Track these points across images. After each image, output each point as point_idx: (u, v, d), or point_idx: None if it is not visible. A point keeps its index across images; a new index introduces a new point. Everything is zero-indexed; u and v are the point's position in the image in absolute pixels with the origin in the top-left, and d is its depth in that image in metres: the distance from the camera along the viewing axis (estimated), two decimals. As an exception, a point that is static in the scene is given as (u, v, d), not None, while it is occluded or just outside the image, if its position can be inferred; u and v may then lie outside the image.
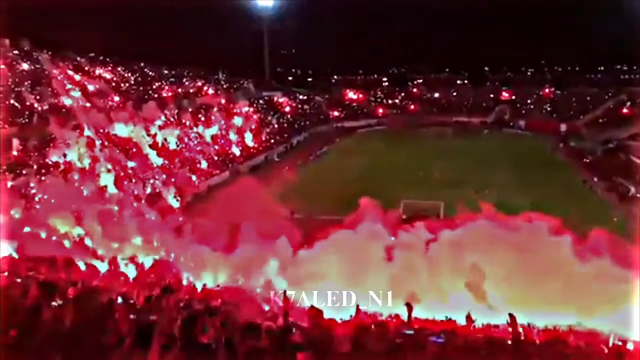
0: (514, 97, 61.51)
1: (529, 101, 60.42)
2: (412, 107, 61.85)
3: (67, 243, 16.43)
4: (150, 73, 49.25)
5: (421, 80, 69.77)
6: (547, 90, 61.72)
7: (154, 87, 46.40)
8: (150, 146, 32.33)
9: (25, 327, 5.26)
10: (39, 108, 31.06)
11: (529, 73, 70.37)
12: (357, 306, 11.89)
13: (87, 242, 16.96)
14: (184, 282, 14.02)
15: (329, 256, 14.94)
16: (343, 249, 15.04)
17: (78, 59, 41.74)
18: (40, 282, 8.63)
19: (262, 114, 49.03)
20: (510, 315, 7.71)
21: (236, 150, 39.23)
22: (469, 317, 10.55)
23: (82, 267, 13.72)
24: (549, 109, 57.97)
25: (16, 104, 30.48)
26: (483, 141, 48.99)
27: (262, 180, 28.68)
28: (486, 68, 69.28)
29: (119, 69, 46.51)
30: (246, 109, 47.19)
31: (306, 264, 15.11)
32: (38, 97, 32.08)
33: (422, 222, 16.40)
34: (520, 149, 44.00)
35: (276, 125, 49.02)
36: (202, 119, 39.99)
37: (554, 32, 60.23)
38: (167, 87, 47.04)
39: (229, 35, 60.04)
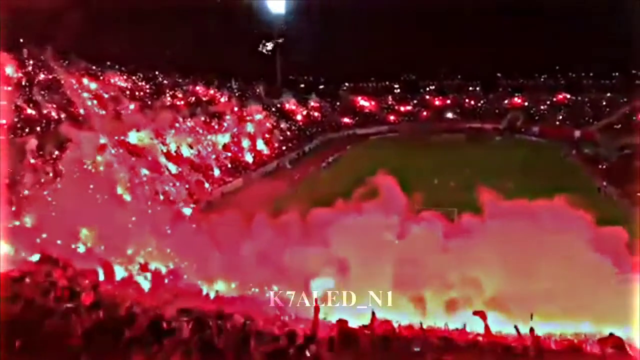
0: (526, 104, 61.15)
1: (542, 107, 60.00)
2: (425, 113, 61.75)
3: (81, 248, 16.63)
4: (163, 81, 49.84)
5: (433, 87, 69.63)
6: (560, 96, 61.23)
7: (168, 95, 46.91)
8: (164, 154, 32.69)
9: (43, 331, 5.34)
10: (55, 116, 31.58)
11: (542, 79, 69.75)
12: (373, 313, 11.79)
13: (101, 248, 17.15)
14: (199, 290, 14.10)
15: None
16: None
17: (94, 67, 42.37)
18: (60, 287, 8.77)
19: (274, 121, 49.29)
20: (531, 328, 7.73)
21: (249, 157, 39.50)
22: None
23: (99, 274, 13.87)
24: (562, 115, 57.50)
25: (33, 112, 31.00)
26: (496, 148, 48.72)
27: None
28: (498, 74, 68.90)
29: (133, 77, 47.12)
30: (259, 116, 47.49)
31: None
32: (54, 105, 32.64)
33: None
34: (533, 156, 43.68)
35: (288, 133, 49.26)
36: (215, 126, 40.36)
37: (567, 37, 59.79)
38: (180, 95, 47.55)
39: (241, 43, 60.61)
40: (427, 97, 67.13)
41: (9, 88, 29.90)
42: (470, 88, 68.85)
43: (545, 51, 62.43)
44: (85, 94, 36.18)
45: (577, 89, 62.52)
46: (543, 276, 13.73)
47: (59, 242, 16.38)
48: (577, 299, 13.07)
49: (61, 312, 5.97)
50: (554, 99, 61.54)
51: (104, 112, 33.53)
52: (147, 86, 47.30)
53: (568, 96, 61.32)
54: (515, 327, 7.69)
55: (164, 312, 7.44)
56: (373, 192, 18.27)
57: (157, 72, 50.31)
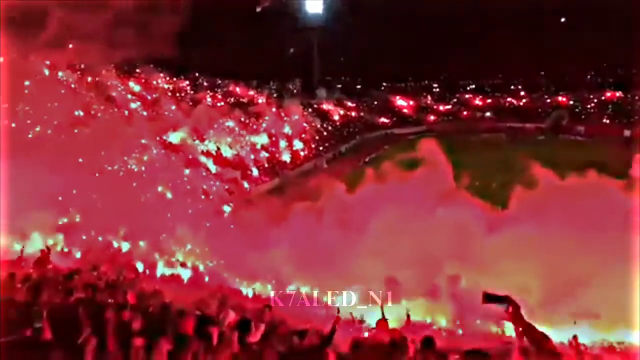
0: (572, 102, 59.02)
1: (588, 106, 57.77)
2: (465, 113, 60.59)
3: (125, 246, 17.09)
4: (204, 83, 50.79)
5: (474, 86, 68.19)
6: (609, 94, 58.78)
7: (208, 95, 47.74)
8: (204, 153, 33.35)
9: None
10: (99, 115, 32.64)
11: (589, 76, 66.86)
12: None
13: (142, 245, 17.56)
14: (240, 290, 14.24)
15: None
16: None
17: (137, 70, 43.53)
18: (106, 283, 9.01)
19: (311, 122, 49.43)
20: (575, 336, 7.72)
21: (286, 157, 39.79)
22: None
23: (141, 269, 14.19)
24: (611, 113, 55.18)
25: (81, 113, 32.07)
26: (539, 148, 47.16)
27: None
28: (542, 72, 66.70)
29: (175, 79, 48.19)
30: (296, 117, 47.72)
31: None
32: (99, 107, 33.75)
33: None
34: (577, 156, 42.05)
35: (325, 133, 49.29)
36: (254, 126, 40.84)
37: (615, 31, 57.28)
38: (220, 96, 48.34)
39: (279, 44, 61.03)
40: (467, 96, 65.79)
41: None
42: (512, 87, 66.96)
43: (591, 46, 59.97)
44: (129, 96, 37.28)
45: (627, 86, 59.73)
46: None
47: (100, 238, 16.92)
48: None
49: (116, 307, 6.09)
50: (602, 97, 59.06)
51: (146, 113, 34.45)
52: (188, 87, 48.30)
53: (617, 94, 58.74)
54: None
55: (206, 311, 7.51)
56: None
57: (197, 74, 51.33)
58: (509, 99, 63.00)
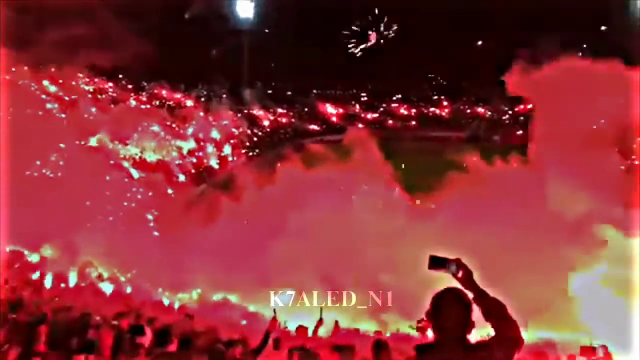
0: (489, 113, 62.80)
1: (504, 117, 61.72)
2: (391, 122, 62.59)
3: (36, 258, 16.11)
4: (127, 85, 48.84)
5: (400, 96, 70.62)
6: (521, 106, 63.04)
7: (132, 98, 45.98)
8: (127, 159, 32.05)
9: None
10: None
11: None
12: (336, 322, 11.71)
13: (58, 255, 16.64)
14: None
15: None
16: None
17: (53, 70, 41.10)
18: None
19: (240, 127, 49.03)
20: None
21: (214, 163, 39.16)
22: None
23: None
24: (522, 124, 59.21)
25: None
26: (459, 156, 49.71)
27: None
28: (464, 83, 70.32)
29: (96, 80, 45.99)
30: (225, 121, 47.17)
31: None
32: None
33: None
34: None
35: (255, 138, 49.06)
36: (181, 131, 39.81)
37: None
38: (144, 99, 46.67)
39: (208, 48, 59.87)
40: (393, 105, 68.07)
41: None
42: (436, 97, 70.03)
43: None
44: (44, 96, 35.07)
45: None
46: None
47: (7, 249, 15.83)
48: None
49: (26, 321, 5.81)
50: (515, 109, 63.28)
51: (64, 115, 32.58)
52: (110, 89, 46.26)
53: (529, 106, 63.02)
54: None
55: (124, 322, 7.29)
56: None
57: (120, 75, 49.25)
58: (432, 109, 65.95)
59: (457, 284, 3.32)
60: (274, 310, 7.60)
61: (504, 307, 3.22)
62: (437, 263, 3.33)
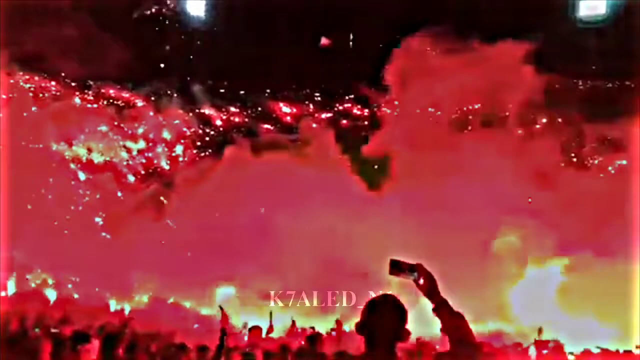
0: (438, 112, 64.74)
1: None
2: (344, 122, 63.16)
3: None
4: (72, 83, 47.02)
5: (353, 96, 71.36)
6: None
7: (77, 97, 44.30)
8: (73, 160, 31.00)
9: None
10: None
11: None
12: (293, 321, 11.81)
13: None
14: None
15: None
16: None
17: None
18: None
19: (192, 127, 48.23)
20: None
21: (165, 163, 38.37)
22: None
23: None
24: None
25: None
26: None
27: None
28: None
29: (36, 77, 44.00)
30: (176, 121, 46.32)
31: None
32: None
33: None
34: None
35: (207, 138, 48.36)
36: (130, 131, 38.75)
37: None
38: (91, 98, 45.05)
39: (158, 47, 58.49)
40: (347, 105, 68.75)
41: None
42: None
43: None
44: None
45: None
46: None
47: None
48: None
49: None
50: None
51: (1, 115, 31.12)
52: (54, 88, 44.39)
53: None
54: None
55: (66, 329, 7.19)
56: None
57: (63, 74, 47.35)
58: (383, 109, 67.12)
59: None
60: (220, 306, 7.59)
61: (464, 320, 2.98)
62: (397, 268, 3.12)
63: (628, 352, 14.54)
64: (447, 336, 2.93)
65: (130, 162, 35.33)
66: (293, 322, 12.49)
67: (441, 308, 2.98)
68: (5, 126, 27.87)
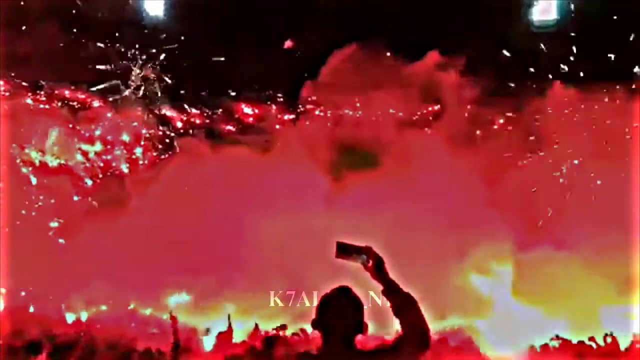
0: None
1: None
2: (307, 123, 63.29)
3: None
4: (23, 84, 45.23)
5: (315, 98, 71.54)
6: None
7: (29, 98, 42.64)
8: (25, 164, 29.87)
9: None
10: None
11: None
12: (256, 325, 11.70)
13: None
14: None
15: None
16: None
17: None
18: None
19: (152, 129, 47.25)
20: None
21: (124, 167, 37.43)
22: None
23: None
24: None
25: None
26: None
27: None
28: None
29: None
30: (134, 123, 45.27)
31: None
32: None
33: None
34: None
35: (167, 140, 47.47)
36: (87, 134, 37.61)
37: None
38: (44, 99, 43.45)
39: (116, 47, 56.98)
40: (309, 106, 68.87)
41: None
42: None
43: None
44: None
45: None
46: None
47: None
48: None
49: None
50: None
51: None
52: (2, 88, 42.57)
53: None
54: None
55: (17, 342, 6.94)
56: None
57: (12, 74, 45.46)
58: (346, 111, 67.60)
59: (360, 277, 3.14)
60: (170, 312, 7.59)
61: (416, 303, 3.00)
62: (344, 251, 3.08)
63: (581, 343, 15.24)
64: (398, 319, 2.95)
65: (87, 165, 34.30)
66: (256, 325, 12.40)
67: (391, 289, 2.99)
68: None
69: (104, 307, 14.98)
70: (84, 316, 14.64)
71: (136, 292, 15.50)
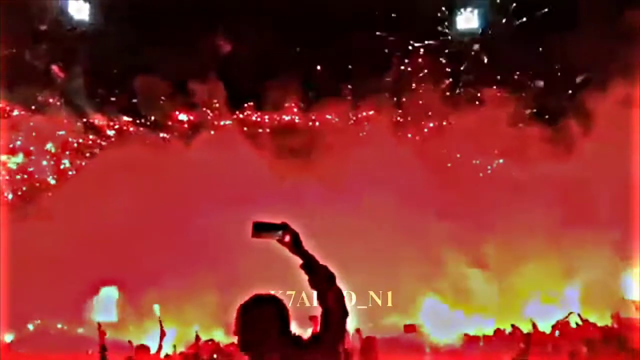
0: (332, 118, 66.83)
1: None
2: (245, 129, 62.62)
3: None
4: None
5: (252, 103, 71.00)
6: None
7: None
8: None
9: None
10: None
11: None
12: (197, 333, 11.48)
13: None
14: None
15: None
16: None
17: None
18: None
19: (80, 138, 45.15)
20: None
21: (51, 179, 35.46)
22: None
23: None
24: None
25: None
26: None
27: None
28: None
29: None
30: (61, 132, 43.03)
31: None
32: None
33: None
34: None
35: (97, 150, 45.50)
36: (9, 145, 35.34)
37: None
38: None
39: (39, 51, 53.94)
40: (247, 112, 68.39)
41: None
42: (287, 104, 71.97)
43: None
44: None
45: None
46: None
47: None
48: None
49: None
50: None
51: None
52: None
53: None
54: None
55: None
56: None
57: None
58: (283, 116, 67.68)
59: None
60: (98, 323, 7.42)
61: (333, 276, 2.99)
62: (261, 229, 3.04)
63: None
64: (316, 291, 2.97)
65: (7, 178, 32.23)
66: (196, 334, 12.16)
67: (309, 263, 2.99)
68: None
69: (31, 327, 14.06)
70: (9, 338, 13.67)
71: (66, 308, 14.69)
